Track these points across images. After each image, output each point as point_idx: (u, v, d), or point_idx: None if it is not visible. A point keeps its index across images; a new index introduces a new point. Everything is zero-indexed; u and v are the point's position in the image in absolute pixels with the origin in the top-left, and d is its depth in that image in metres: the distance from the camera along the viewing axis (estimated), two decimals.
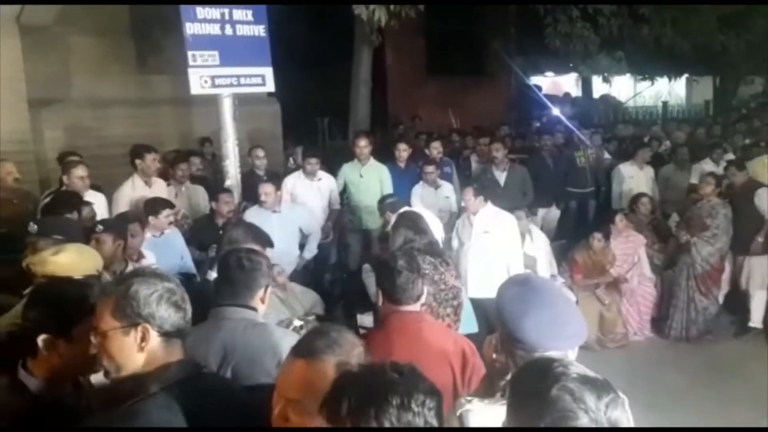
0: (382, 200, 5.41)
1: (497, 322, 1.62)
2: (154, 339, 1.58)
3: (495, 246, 4.79)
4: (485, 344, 1.74)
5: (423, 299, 2.53)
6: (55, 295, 1.83)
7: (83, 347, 1.74)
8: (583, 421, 1.10)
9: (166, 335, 1.59)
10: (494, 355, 1.61)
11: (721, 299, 6.04)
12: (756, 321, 5.73)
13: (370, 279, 4.33)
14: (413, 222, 3.67)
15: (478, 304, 4.29)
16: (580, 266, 5.76)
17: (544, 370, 1.20)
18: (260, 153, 6.31)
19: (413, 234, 3.56)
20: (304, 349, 1.47)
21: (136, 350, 1.56)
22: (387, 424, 1.13)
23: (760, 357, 5.29)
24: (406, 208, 4.59)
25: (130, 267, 3.58)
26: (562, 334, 1.54)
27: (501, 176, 6.52)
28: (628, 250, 5.85)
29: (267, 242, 3.09)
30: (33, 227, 2.93)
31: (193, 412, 1.49)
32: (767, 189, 5.64)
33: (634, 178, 7.12)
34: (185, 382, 1.56)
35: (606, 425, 1.11)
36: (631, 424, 1.17)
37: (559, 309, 1.58)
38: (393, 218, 4.32)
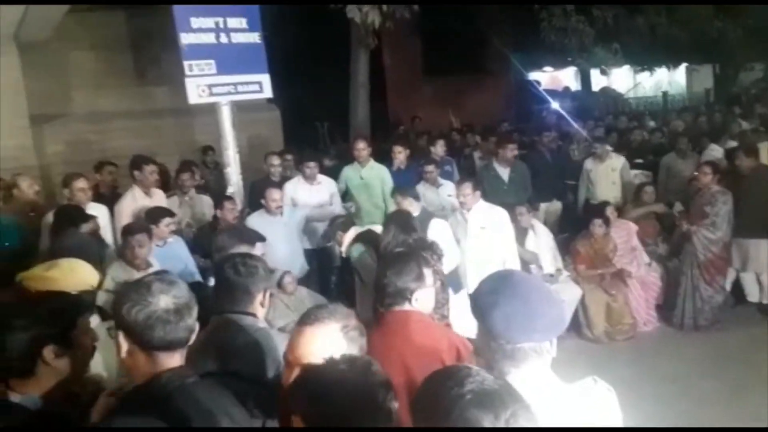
0: (332, 221, 5.35)
1: (474, 316, 1.59)
2: (133, 349, 1.58)
3: (491, 242, 4.80)
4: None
5: (417, 297, 2.44)
6: (43, 307, 1.83)
7: (81, 350, 1.81)
8: None
9: (143, 348, 1.57)
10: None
11: (728, 286, 6.04)
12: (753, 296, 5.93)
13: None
14: (403, 220, 3.84)
15: None
16: (583, 256, 5.76)
17: (438, 391, 1.19)
18: (275, 160, 6.20)
19: (403, 232, 3.70)
20: (310, 318, 1.65)
21: (120, 355, 1.60)
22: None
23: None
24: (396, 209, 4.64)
25: None
26: (534, 327, 1.49)
27: (504, 173, 6.52)
28: (623, 238, 5.87)
29: (255, 238, 3.05)
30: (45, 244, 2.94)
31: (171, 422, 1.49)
32: None
33: (593, 171, 7.10)
34: (168, 395, 1.55)
35: None
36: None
37: (531, 301, 1.52)
38: (345, 239, 4.43)
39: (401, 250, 3.36)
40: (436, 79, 14.78)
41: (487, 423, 1.11)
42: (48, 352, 1.74)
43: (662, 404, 4.24)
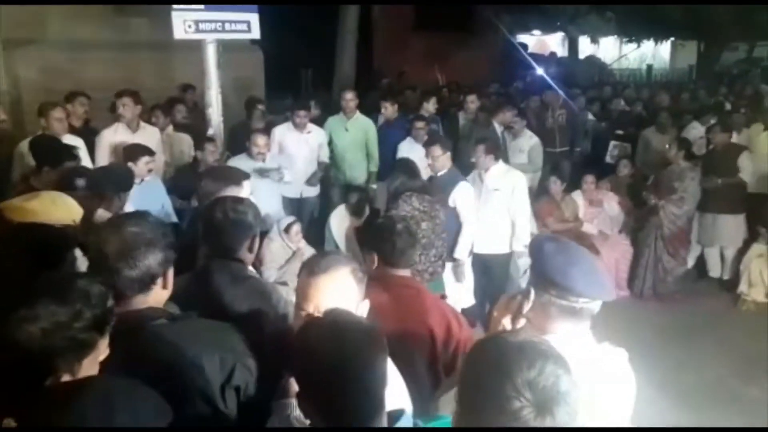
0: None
1: (534, 274, 1.63)
2: None
3: (504, 203, 4.78)
4: (497, 307, 1.76)
5: (413, 265, 2.69)
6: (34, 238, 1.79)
7: None
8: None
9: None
10: (525, 310, 1.61)
11: (692, 261, 6.21)
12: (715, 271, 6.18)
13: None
14: (408, 167, 4.15)
15: (482, 260, 4.74)
16: (546, 210, 5.94)
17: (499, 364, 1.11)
18: (260, 108, 6.16)
19: (408, 177, 3.98)
20: (320, 267, 1.66)
21: None
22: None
23: (729, 316, 5.53)
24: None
25: None
26: (604, 284, 1.60)
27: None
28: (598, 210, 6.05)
29: (241, 177, 2.95)
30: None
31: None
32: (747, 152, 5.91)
33: (509, 147, 6.80)
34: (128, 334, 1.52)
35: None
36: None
37: (594, 261, 1.64)
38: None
39: (412, 215, 3.67)
40: (423, 35, 14.49)
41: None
42: None
43: (641, 370, 4.37)
